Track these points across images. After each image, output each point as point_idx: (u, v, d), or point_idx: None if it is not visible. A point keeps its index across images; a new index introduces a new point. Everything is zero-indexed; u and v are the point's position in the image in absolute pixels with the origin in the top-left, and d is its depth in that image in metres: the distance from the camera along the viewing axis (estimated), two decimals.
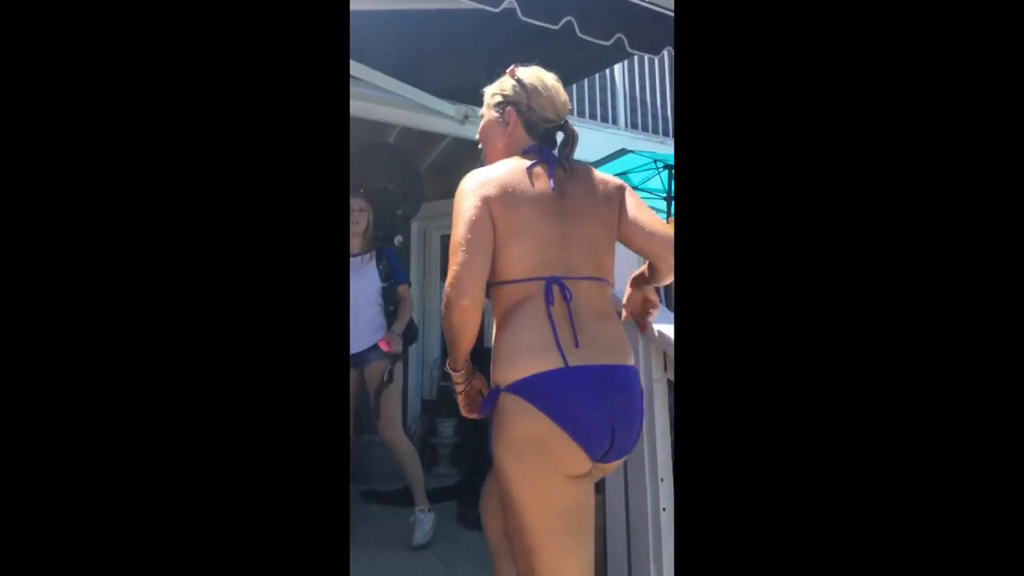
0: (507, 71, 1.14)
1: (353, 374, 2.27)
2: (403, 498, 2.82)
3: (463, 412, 1.12)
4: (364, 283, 2.31)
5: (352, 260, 2.35)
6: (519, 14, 1.72)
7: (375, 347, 2.25)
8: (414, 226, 4.04)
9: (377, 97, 3.04)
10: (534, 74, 1.13)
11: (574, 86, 4.14)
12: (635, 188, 3.86)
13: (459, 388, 1.08)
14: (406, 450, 2.27)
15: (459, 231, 0.97)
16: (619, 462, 1.03)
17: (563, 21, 1.80)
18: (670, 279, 1.11)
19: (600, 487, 1.76)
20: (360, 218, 2.36)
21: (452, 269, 0.96)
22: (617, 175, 3.72)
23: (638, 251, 1.10)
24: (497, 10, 1.69)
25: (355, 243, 2.37)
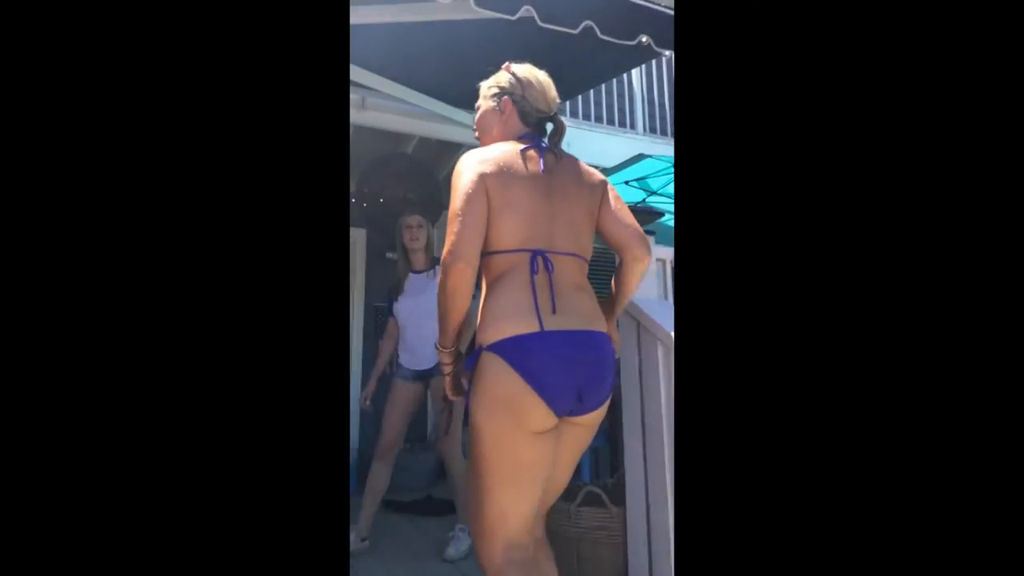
0: (503, 67, 1.26)
1: (418, 387, 2.28)
2: (423, 508, 2.82)
3: (449, 394, 1.21)
4: (431, 300, 2.27)
5: (416, 277, 2.32)
6: (537, 21, 1.71)
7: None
8: (434, 234, 4.07)
9: (395, 108, 3.06)
10: (527, 69, 1.25)
11: (591, 91, 4.14)
12: (654, 193, 3.82)
13: (447, 368, 1.18)
14: (461, 466, 2.28)
15: (456, 203, 1.07)
16: (594, 415, 1.11)
17: (582, 25, 1.79)
18: (635, 273, 1.20)
19: (620, 498, 1.72)
20: (419, 234, 2.32)
21: (450, 238, 1.05)
22: (636, 180, 3.69)
23: (610, 239, 1.20)
24: (514, 18, 1.69)
25: (418, 259, 2.33)
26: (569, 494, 1.99)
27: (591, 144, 3.96)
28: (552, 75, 1.27)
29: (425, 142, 3.46)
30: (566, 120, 4.09)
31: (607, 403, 1.12)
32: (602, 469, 2.84)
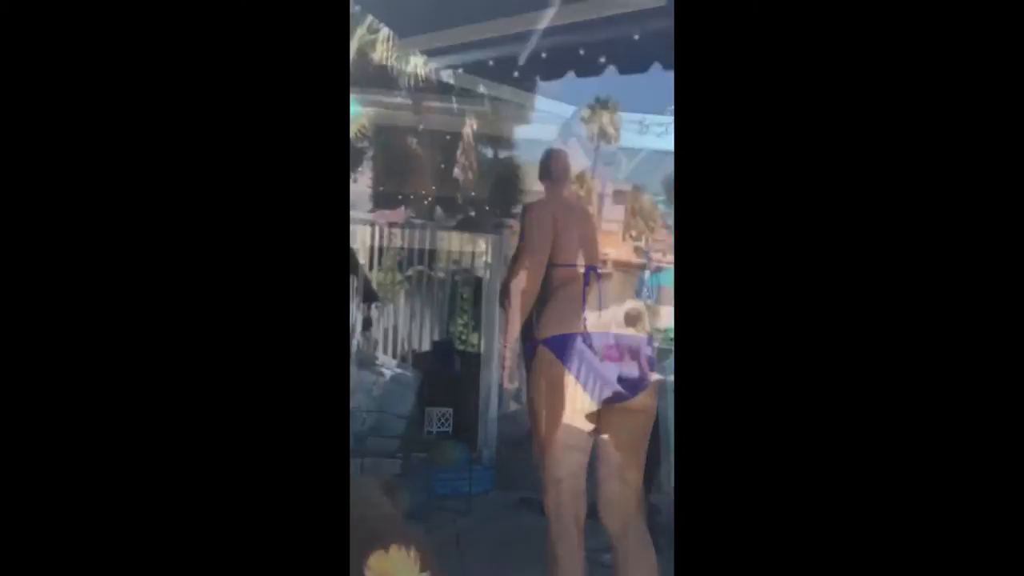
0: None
1: None
2: None
3: (505, 383, 1.65)
4: None
5: None
6: None
7: None
8: None
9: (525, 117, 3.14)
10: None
11: None
12: None
13: (507, 362, 1.55)
14: None
15: (527, 232, 1.51)
16: (635, 400, 1.37)
17: None
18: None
19: None
20: None
21: (522, 257, 1.46)
22: None
23: None
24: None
25: None
26: None
27: None
28: None
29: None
30: None
31: (649, 391, 1.38)
32: None
